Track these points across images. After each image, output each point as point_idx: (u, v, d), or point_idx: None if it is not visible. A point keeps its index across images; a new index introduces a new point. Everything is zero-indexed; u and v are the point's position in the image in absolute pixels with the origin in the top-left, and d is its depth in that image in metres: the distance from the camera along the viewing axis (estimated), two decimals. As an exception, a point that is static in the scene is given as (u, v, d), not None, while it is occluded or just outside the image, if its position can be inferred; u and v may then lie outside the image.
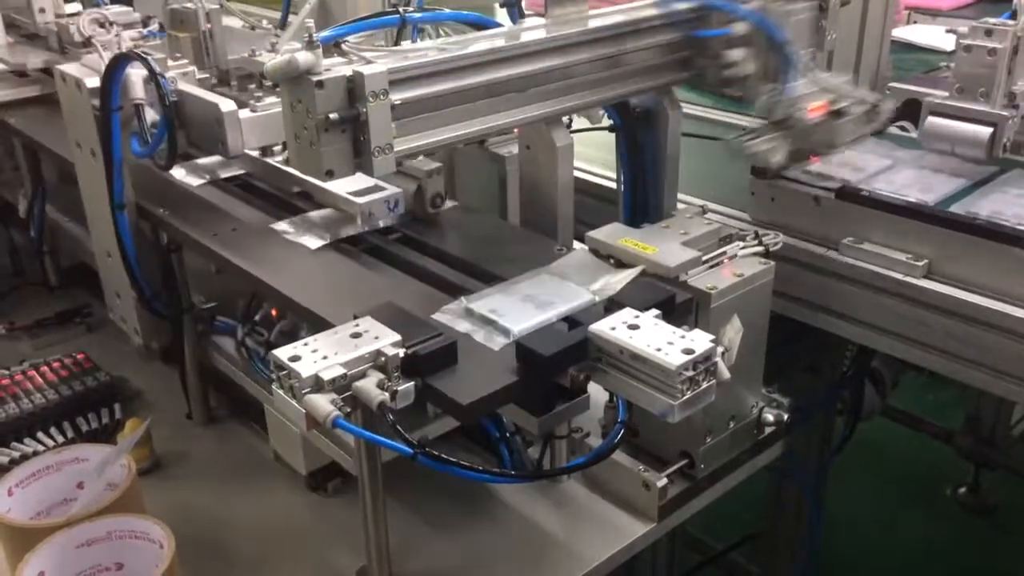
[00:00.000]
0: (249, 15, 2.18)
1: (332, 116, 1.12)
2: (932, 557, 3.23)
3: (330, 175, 1.17)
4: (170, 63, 1.60)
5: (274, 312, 1.63)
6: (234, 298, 1.71)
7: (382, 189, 1.56)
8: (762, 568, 2.76)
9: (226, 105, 1.42)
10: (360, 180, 1.52)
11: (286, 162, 1.63)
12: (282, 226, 1.59)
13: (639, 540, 1.45)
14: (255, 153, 1.68)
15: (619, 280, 1.30)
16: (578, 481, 1.55)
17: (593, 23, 1.42)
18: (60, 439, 1.68)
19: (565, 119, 1.53)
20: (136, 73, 1.47)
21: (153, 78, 1.44)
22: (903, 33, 2.92)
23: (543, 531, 1.47)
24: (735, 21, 1.47)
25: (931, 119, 1.70)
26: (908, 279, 1.54)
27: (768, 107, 1.51)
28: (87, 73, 1.56)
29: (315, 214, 1.62)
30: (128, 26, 1.92)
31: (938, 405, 3.51)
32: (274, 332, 1.61)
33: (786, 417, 1.56)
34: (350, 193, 1.55)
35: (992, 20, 1.66)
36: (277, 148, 1.66)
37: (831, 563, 3.00)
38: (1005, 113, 1.62)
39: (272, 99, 1.50)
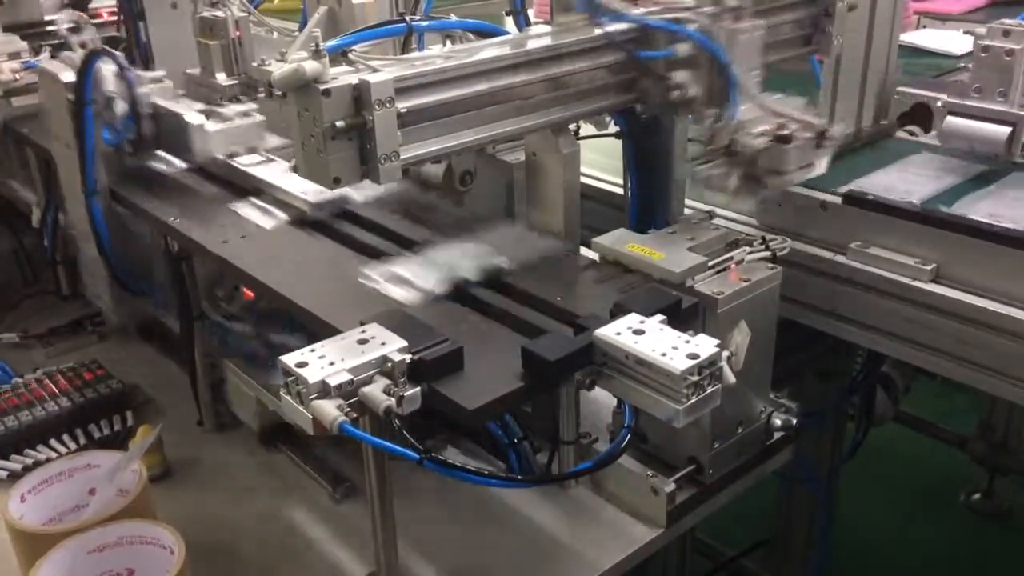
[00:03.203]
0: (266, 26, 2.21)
1: (339, 124, 1.14)
2: (945, 563, 3.21)
3: (337, 182, 1.18)
4: (146, 76, 1.74)
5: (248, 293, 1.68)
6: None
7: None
8: (773, 574, 2.75)
9: (193, 118, 1.63)
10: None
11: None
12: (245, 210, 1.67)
13: (647, 546, 1.45)
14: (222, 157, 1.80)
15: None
16: (586, 487, 1.55)
17: (598, 30, 1.43)
18: (72, 446, 1.69)
19: (572, 126, 1.53)
20: (107, 68, 1.61)
21: (122, 73, 1.61)
22: (912, 38, 2.91)
23: (552, 537, 1.47)
24: (678, 42, 1.42)
25: (950, 119, 1.71)
26: (916, 283, 1.54)
27: (711, 132, 1.43)
28: (63, 69, 1.68)
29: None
30: (12, 56, 2.03)
31: (952, 411, 3.49)
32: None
33: (795, 422, 1.56)
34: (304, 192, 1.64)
35: (1009, 21, 1.67)
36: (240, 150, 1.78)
37: (843, 569, 2.99)
38: (1023, 113, 1.62)
39: (237, 107, 1.73)
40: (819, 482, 2.39)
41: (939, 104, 1.83)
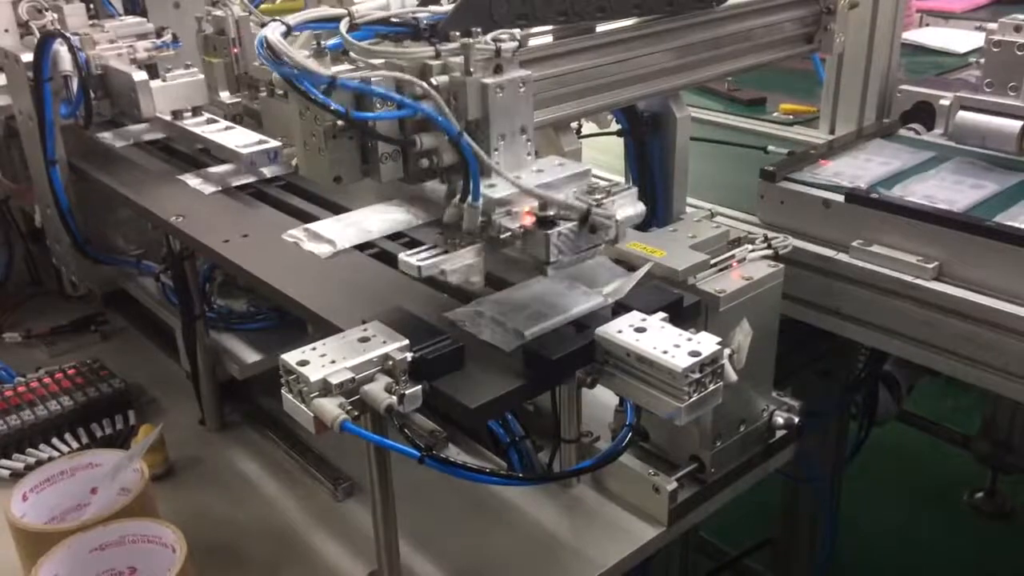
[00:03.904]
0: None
1: (339, 123, 1.13)
2: (949, 562, 3.20)
3: (338, 181, 1.18)
4: (98, 38, 1.91)
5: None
6: (158, 245, 1.88)
7: (267, 142, 1.78)
8: (777, 573, 2.75)
9: (138, 75, 1.82)
10: (251, 136, 1.81)
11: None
12: (188, 176, 1.83)
13: (649, 544, 1.45)
14: (167, 117, 1.94)
15: (630, 282, 1.30)
16: (588, 485, 1.55)
17: (601, 28, 1.42)
18: (75, 445, 1.69)
19: (573, 124, 1.53)
20: (65, 50, 1.79)
21: (72, 52, 1.78)
22: (915, 36, 2.92)
23: (553, 535, 1.47)
24: (403, 105, 1.10)
25: (962, 114, 1.72)
26: (918, 281, 1.54)
27: (455, 216, 1.12)
28: (23, 50, 1.85)
29: (215, 169, 1.86)
30: (141, 36, 2.02)
31: (955, 410, 3.49)
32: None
33: (797, 421, 1.56)
34: (237, 146, 1.78)
35: (1021, 16, 1.67)
36: (187, 113, 1.94)
37: (846, 568, 2.99)
38: None
39: (180, 71, 1.97)
40: (822, 481, 2.38)
41: (942, 102, 1.84)
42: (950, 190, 1.65)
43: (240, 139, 1.79)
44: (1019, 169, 1.70)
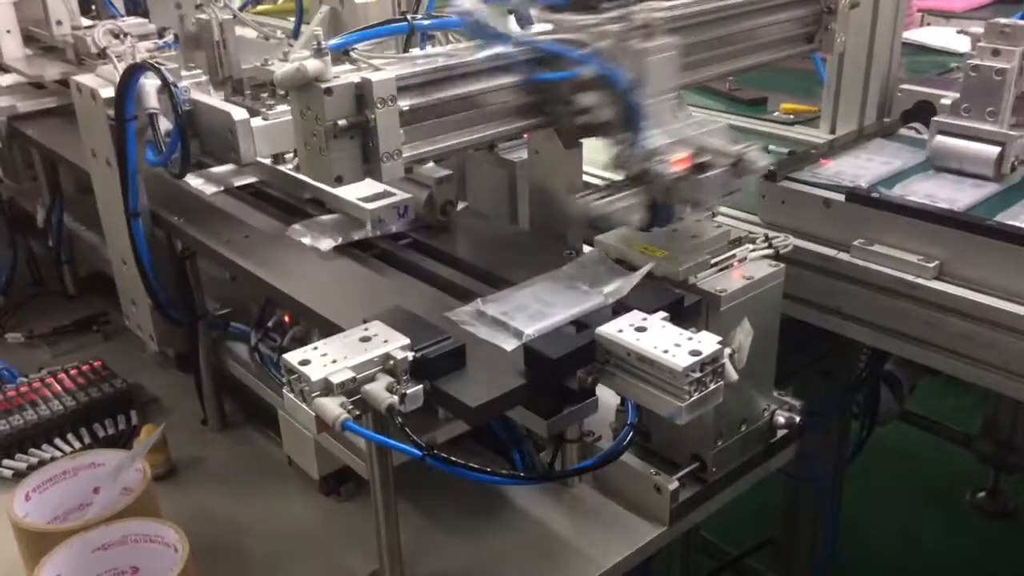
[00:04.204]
0: (263, 25, 2.21)
1: (341, 123, 1.14)
2: (951, 562, 3.20)
3: (339, 181, 1.18)
4: (183, 73, 1.61)
5: (287, 318, 1.65)
6: (248, 304, 1.74)
7: (392, 195, 1.59)
8: (778, 573, 2.75)
9: (238, 114, 1.45)
10: (371, 186, 1.55)
11: (297, 168, 1.65)
12: (294, 228, 1.60)
13: (651, 543, 1.45)
14: (267, 161, 1.72)
15: (631, 282, 1.31)
16: (589, 485, 1.55)
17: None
18: (77, 445, 1.70)
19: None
20: (150, 83, 1.48)
21: (166, 88, 1.45)
22: (916, 35, 2.91)
23: (555, 534, 1.48)
24: (574, 64, 1.27)
25: (939, 138, 1.72)
26: (919, 281, 1.54)
27: (619, 161, 1.31)
28: (102, 84, 1.57)
29: (326, 218, 1.64)
30: (143, 37, 1.96)
31: (958, 409, 3.49)
32: (287, 338, 1.62)
33: (798, 420, 1.56)
34: (360, 199, 1.58)
35: (1004, 21, 1.67)
36: (289, 156, 1.70)
37: (847, 568, 2.99)
38: (1013, 133, 1.63)
39: (283, 107, 1.51)
40: (823, 481, 2.39)
41: (943, 101, 1.84)
42: (951, 189, 1.65)
43: (360, 189, 1.58)
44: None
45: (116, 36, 1.95)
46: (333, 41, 1.21)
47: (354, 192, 1.58)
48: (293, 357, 1.11)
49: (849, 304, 1.64)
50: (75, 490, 1.47)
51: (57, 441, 1.70)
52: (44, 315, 2.23)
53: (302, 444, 1.55)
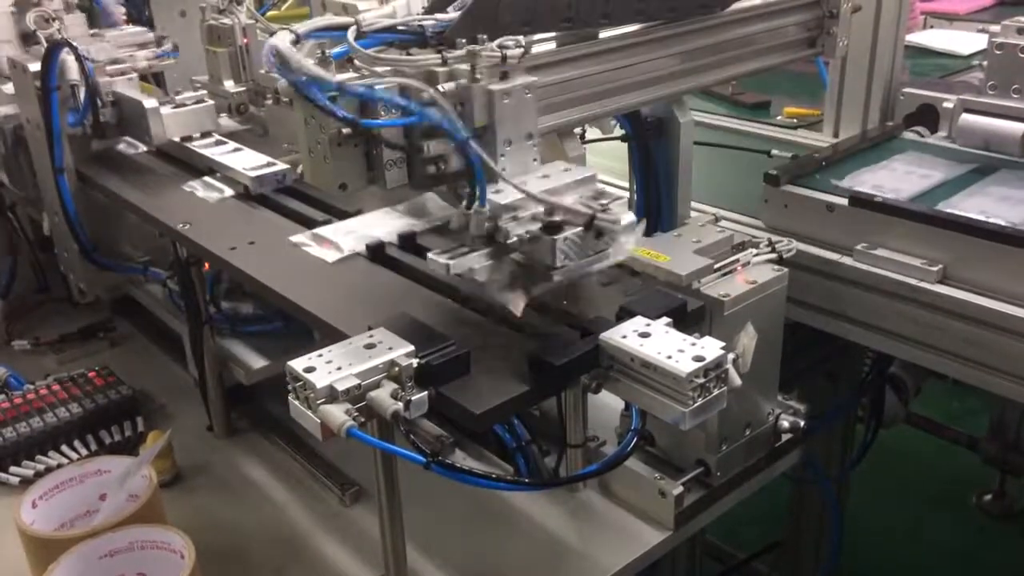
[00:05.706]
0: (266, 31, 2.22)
1: (344, 130, 1.14)
2: (957, 564, 3.20)
3: (343, 188, 1.18)
4: (108, 68, 1.89)
5: (207, 266, 1.72)
6: (165, 251, 1.89)
7: (274, 165, 1.80)
8: (784, 576, 2.75)
9: (149, 103, 1.82)
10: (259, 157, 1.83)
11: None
12: (299, 237, 1.62)
13: (656, 548, 1.45)
14: (176, 139, 1.94)
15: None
16: (594, 490, 1.55)
17: (604, 34, 1.43)
18: (83, 452, 1.70)
19: (577, 130, 1.54)
20: (72, 59, 1.79)
21: (79, 61, 1.79)
22: (919, 38, 2.91)
23: (560, 540, 1.48)
24: (409, 112, 1.09)
25: (965, 116, 1.71)
26: (923, 284, 1.54)
27: (461, 221, 1.13)
28: (31, 59, 1.84)
29: (331, 227, 1.66)
30: (142, 46, 2.03)
31: (963, 412, 3.48)
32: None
33: (803, 424, 1.56)
34: (245, 168, 1.79)
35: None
36: (196, 135, 1.95)
37: (854, 571, 2.98)
38: None
39: (189, 94, 1.94)
40: (829, 484, 2.38)
41: (946, 104, 1.84)
42: (999, 206, 1.58)
43: (248, 161, 1.81)
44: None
45: (47, 20, 2.03)
46: (337, 48, 1.21)
47: (243, 162, 1.82)
48: (298, 364, 1.12)
49: (853, 308, 1.64)
50: (82, 497, 1.47)
51: (64, 448, 1.70)
52: (50, 322, 2.23)
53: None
